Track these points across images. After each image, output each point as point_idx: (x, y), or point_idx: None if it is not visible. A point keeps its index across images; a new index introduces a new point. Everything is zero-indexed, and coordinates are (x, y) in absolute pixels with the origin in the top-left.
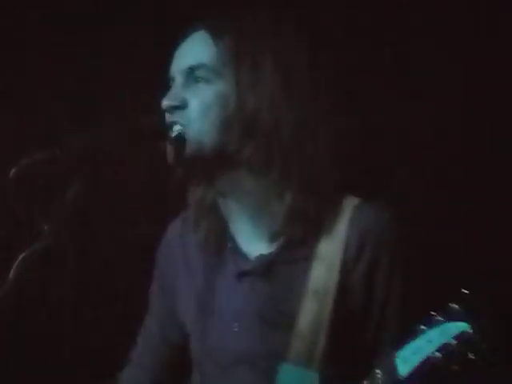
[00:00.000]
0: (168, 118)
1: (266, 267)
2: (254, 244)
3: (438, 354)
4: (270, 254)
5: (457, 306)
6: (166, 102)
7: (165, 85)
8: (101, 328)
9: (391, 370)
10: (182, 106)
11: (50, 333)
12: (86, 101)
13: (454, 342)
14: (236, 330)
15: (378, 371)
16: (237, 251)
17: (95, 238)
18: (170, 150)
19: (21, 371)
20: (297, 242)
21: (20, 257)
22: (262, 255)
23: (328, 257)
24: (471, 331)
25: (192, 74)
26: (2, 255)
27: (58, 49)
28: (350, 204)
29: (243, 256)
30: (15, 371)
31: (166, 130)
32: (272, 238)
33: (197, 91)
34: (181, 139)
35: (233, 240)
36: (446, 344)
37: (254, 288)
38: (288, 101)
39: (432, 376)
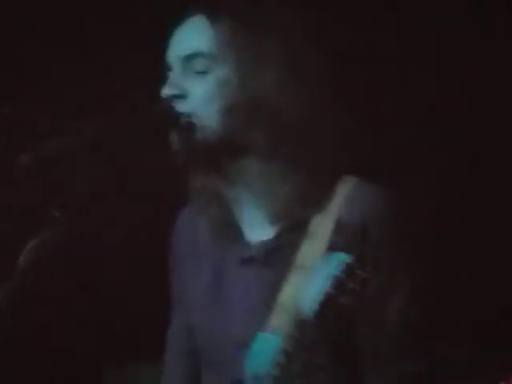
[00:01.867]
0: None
1: (266, 253)
2: (256, 230)
3: (332, 290)
4: (269, 239)
5: (340, 238)
6: (166, 91)
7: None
8: (112, 316)
9: (299, 313)
10: (183, 95)
11: (60, 321)
12: (97, 88)
13: (341, 275)
14: (239, 316)
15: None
16: (240, 238)
17: (108, 225)
18: (175, 138)
19: (29, 361)
20: (296, 225)
21: (30, 244)
22: (262, 241)
23: (318, 234)
24: (353, 262)
25: (190, 63)
26: (12, 243)
27: (68, 36)
28: (348, 183)
29: (246, 242)
30: (22, 362)
31: (174, 117)
32: (273, 223)
33: (197, 79)
34: (188, 127)
35: (237, 227)
36: (335, 278)
37: (256, 274)
38: (292, 84)
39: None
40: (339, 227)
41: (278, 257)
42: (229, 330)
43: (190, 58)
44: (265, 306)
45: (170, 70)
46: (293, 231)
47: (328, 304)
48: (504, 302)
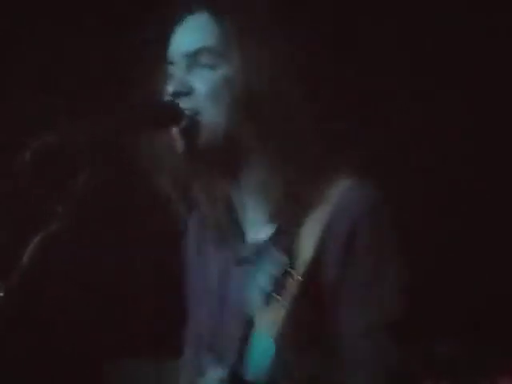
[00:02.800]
0: (177, 104)
1: (258, 254)
2: (255, 231)
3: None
4: (262, 240)
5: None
6: (171, 89)
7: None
8: (112, 312)
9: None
10: (188, 92)
11: (63, 316)
12: (98, 84)
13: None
14: (229, 314)
15: None
16: (240, 238)
17: (107, 221)
18: (180, 138)
19: (31, 356)
20: (287, 227)
21: (35, 239)
22: (255, 242)
23: (307, 237)
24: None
25: (195, 58)
26: (15, 238)
27: (77, 32)
28: (340, 185)
29: (243, 242)
30: (26, 357)
31: (177, 116)
32: (267, 224)
33: (202, 76)
34: (192, 126)
35: (238, 227)
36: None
37: (249, 274)
38: (290, 84)
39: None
40: (328, 229)
41: (269, 258)
42: (227, 328)
43: (195, 54)
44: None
45: (172, 65)
46: (284, 233)
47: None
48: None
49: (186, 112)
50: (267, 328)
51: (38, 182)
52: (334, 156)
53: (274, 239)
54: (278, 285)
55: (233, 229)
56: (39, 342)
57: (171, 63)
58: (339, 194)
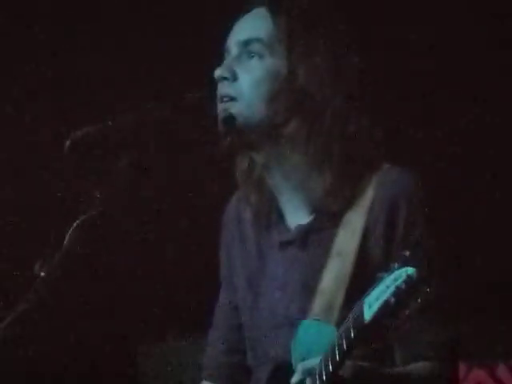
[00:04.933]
0: (219, 89)
1: (303, 236)
2: (295, 215)
3: (392, 299)
4: (307, 223)
5: (408, 252)
6: (218, 73)
7: (213, 60)
8: (152, 297)
9: (359, 315)
10: (232, 78)
11: (103, 300)
12: (135, 78)
13: (403, 286)
14: (278, 296)
15: (349, 316)
16: (281, 222)
17: (146, 207)
18: (220, 121)
19: (68, 336)
20: (332, 213)
21: (74, 224)
22: (299, 225)
23: (352, 222)
24: (415, 275)
25: (247, 48)
26: (57, 223)
27: (108, 25)
28: (378, 172)
29: (285, 226)
30: (64, 336)
31: (216, 101)
32: (311, 210)
33: (249, 66)
34: (230, 113)
35: (278, 211)
36: (397, 288)
37: (294, 257)
38: (335, 80)
39: (392, 320)
40: (372, 214)
41: (314, 241)
42: (269, 309)
43: (247, 43)
44: (302, 288)
45: (227, 53)
46: (328, 218)
47: (385, 311)
48: None
49: (227, 98)
50: (318, 315)
51: (78, 170)
52: (377, 148)
53: (316, 224)
54: (404, 300)
55: (272, 212)
56: (75, 323)
57: (226, 49)
58: (377, 183)
